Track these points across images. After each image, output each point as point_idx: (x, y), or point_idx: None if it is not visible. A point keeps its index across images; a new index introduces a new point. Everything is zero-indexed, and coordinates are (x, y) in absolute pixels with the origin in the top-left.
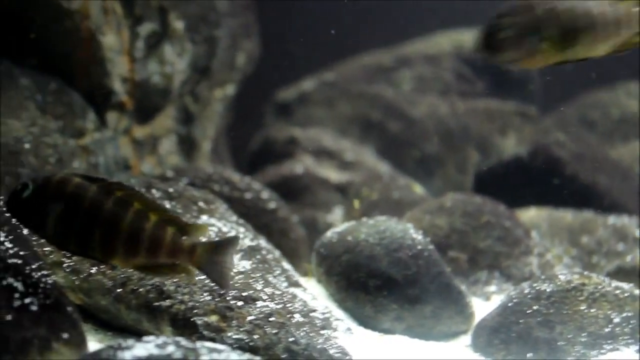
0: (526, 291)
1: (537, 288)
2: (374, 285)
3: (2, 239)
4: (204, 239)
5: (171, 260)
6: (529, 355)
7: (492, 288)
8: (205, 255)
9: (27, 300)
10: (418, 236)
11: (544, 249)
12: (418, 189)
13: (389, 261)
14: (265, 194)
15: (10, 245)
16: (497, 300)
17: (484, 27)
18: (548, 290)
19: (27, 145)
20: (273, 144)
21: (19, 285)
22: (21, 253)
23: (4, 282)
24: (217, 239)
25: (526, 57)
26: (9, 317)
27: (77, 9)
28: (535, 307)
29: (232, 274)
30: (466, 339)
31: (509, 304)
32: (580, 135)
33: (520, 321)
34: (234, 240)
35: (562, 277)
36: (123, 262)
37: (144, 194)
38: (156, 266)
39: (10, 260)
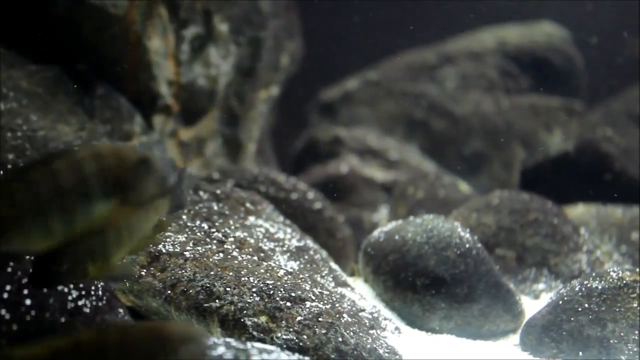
0: (577, 289)
1: (588, 285)
2: (421, 285)
3: None
4: None
5: None
6: (580, 353)
7: (541, 286)
8: None
9: (80, 303)
10: (466, 234)
11: (593, 246)
12: (464, 186)
13: (437, 260)
14: (311, 195)
15: None
16: (546, 299)
17: None
18: (599, 287)
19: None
20: (318, 144)
21: (71, 289)
22: None
23: (58, 286)
24: None
25: None
26: (62, 320)
27: (123, 15)
28: (586, 305)
29: None
30: (515, 338)
31: (560, 302)
32: (627, 130)
33: (572, 319)
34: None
35: (613, 274)
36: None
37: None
38: None
39: None
